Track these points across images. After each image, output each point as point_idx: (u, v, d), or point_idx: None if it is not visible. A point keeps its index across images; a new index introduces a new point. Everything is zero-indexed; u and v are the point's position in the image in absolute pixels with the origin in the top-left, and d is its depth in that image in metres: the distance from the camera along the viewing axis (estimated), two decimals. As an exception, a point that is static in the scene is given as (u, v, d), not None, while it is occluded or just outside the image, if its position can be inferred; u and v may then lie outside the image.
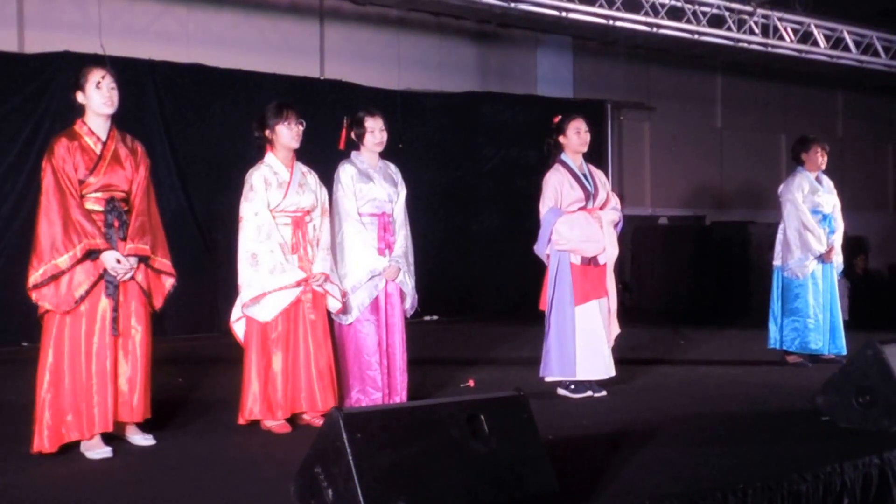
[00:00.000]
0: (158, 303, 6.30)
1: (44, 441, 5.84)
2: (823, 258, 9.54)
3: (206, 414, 7.28)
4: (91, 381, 5.89)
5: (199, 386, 8.45)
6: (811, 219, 9.51)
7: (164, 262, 6.26)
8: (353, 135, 7.28)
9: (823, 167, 9.76)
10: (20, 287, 11.17)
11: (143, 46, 12.53)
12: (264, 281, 6.55)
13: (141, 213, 6.13)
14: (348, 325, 7.14)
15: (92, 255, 5.85)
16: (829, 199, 9.73)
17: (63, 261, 5.79)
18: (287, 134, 6.76)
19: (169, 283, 6.32)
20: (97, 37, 11.73)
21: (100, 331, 5.93)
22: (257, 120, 6.87)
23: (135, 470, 5.67)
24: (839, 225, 9.74)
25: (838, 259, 9.71)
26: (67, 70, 11.21)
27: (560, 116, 8.19)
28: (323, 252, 6.79)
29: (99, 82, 6.05)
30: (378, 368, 7.19)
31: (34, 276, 5.82)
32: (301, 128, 6.83)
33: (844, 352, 9.49)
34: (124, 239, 6.00)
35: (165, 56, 12.70)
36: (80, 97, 6.10)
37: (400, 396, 7.30)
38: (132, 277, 6.04)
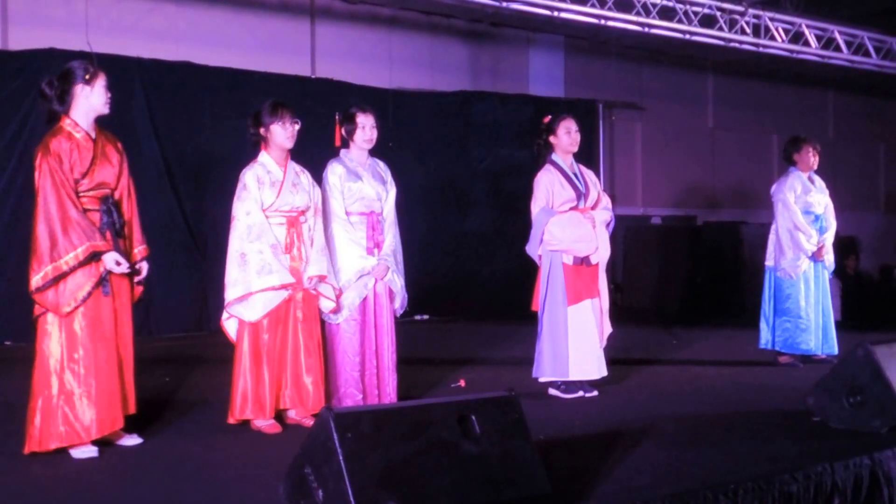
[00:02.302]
0: (138, 291, 6.32)
1: (45, 441, 5.84)
2: (815, 257, 9.55)
3: (193, 414, 7.27)
4: (103, 381, 5.90)
5: (186, 385, 8.43)
6: (803, 219, 9.52)
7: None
8: (343, 131, 7.27)
9: (815, 167, 9.78)
10: (2, 286, 11.20)
11: (131, 44, 12.46)
12: (251, 281, 6.52)
13: (135, 213, 6.18)
14: (336, 324, 7.14)
15: (95, 257, 5.84)
16: (821, 199, 9.75)
17: (65, 262, 5.76)
18: (281, 133, 6.75)
19: (146, 268, 6.34)
20: (84, 34, 11.75)
21: (100, 331, 5.94)
22: (252, 117, 6.86)
23: (121, 470, 5.66)
24: (831, 224, 9.76)
25: (829, 258, 9.72)
26: (53, 67, 11.11)
27: (550, 116, 8.20)
28: (318, 253, 6.77)
29: (101, 81, 6.04)
30: (360, 369, 7.18)
31: (36, 279, 5.79)
32: (296, 127, 6.82)
33: (836, 352, 9.50)
34: (121, 236, 6.01)
35: (154, 54, 12.64)
36: (79, 91, 6.02)
37: (390, 397, 7.29)
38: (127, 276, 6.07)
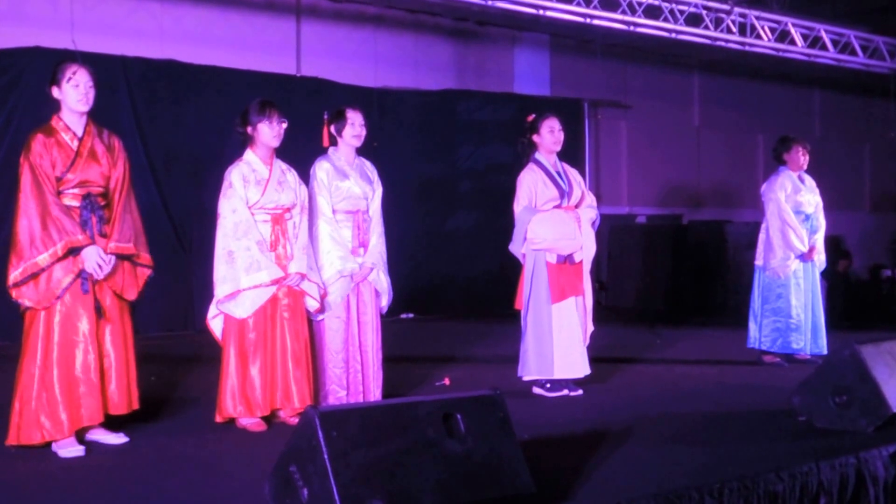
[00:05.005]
0: (134, 294, 6.28)
1: (25, 435, 5.86)
2: (805, 257, 9.56)
3: (179, 412, 7.27)
4: (75, 375, 5.91)
5: (172, 384, 8.43)
6: (794, 218, 9.51)
7: (144, 255, 6.29)
8: (332, 129, 7.29)
9: (805, 167, 9.77)
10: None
11: (116, 42, 12.47)
12: (240, 278, 6.54)
13: (126, 211, 6.17)
14: (320, 321, 7.15)
15: (73, 252, 5.85)
16: (812, 198, 9.74)
17: (43, 258, 5.80)
18: (268, 132, 6.77)
19: (145, 274, 6.32)
20: (69, 32, 11.74)
21: (77, 327, 5.94)
22: (240, 115, 6.87)
23: (107, 469, 5.64)
24: (821, 224, 9.76)
25: (820, 258, 9.73)
26: (38, 65, 11.15)
27: (534, 115, 8.21)
28: (300, 251, 6.78)
29: (74, 79, 6.05)
30: (343, 366, 7.19)
31: (14, 275, 5.83)
32: (283, 127, 6.84)
33: (825, 352, 9.45)
34: (102, 234, 6.01)
35: (138, 52, 12.61)
36: (55, 92, 6.09)
37: (374, 395, 7.30)
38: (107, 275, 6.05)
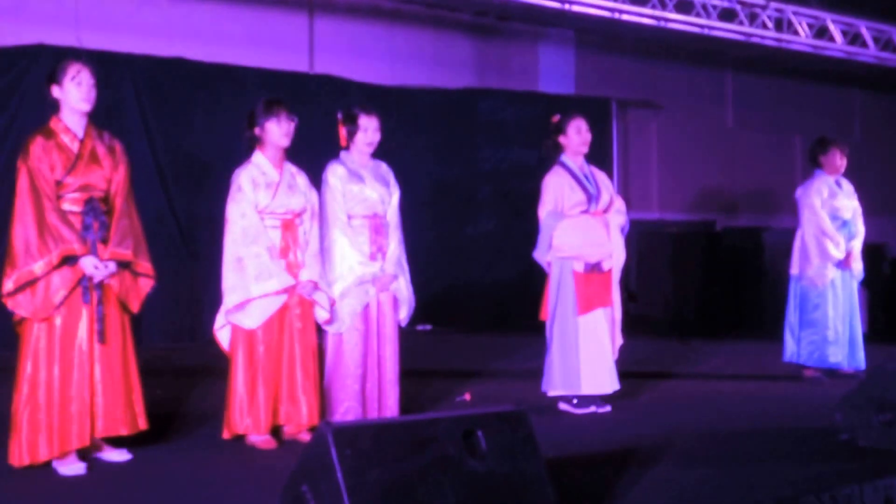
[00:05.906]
0: (136, 307, 6.26)
1: (24, 454, 5.84)
2: (842, 265, 9.50)
3: (186, 428, 7.26)
4: (70, 393, 5.88)
5: (179, 398, 8.42)
6: (830, 224, 9.46)
7: (144, 265, 6.25)
8: (344, 131, 7.24)
9: (843, 171, 9.72)
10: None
11: (122, 39, 12.45)
12: (249, 287, 6.51)
13: (123, 216, 6.14)
14: (338, 334, 7.10)
15: (69, 260, 5.83)
16: (849, 203, 9.69)
17: (38, 267, 5.78)
18: (277, 132, 6.74)
19: (148, 285, 6.30)
20: (73, 29, 11.75)
21: (74, 339, 5.92)
22: (247, 118, 6.85)
23: (109, 487, 5.65)
24: (859, 231, 9.70)
25: (858, 266, 9.66)
26: (42, 63, 11.15)
27: (559, 116, 8.18)
28: (311, 258, 6.76)
29: (77, 77, 6.04)
30: (362, 381, 7.15)
31: (8, 284, 5.81)
32: (292, 125, 6.81)
33: (863, 366, 9.44)
34: (103, 241, 5.98)
35: (145, 50, 12.61)
36: (55, 91, 6.09)
37: (391, 410, 7.25)
38: (108, 283, 6.02)
